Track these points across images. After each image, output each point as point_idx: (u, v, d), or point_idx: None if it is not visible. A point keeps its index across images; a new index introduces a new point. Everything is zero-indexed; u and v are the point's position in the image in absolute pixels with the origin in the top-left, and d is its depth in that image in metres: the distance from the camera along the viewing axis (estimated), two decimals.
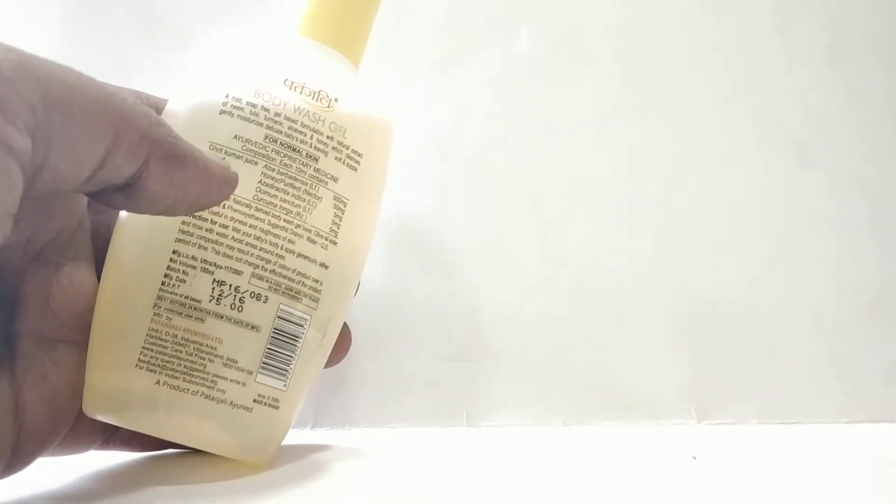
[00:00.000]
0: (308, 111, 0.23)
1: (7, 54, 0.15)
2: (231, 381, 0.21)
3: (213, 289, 0.21)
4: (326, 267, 0.23)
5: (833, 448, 0.28)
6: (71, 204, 0.22)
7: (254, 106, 0.22)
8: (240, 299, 0.21)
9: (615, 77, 0.36)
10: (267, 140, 0.22)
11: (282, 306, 0.22)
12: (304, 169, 0.23)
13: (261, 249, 0.22)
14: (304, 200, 0.23)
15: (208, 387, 0.21)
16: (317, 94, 0.23)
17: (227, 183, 0.20)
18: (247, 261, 0.22)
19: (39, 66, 0.16)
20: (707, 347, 0.33)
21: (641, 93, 0.36)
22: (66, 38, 0.37)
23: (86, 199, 0.22)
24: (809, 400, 0.32)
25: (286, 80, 0.23)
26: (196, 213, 0.21)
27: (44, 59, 0.16)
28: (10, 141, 0.15)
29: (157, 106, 0.24)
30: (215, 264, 0.21)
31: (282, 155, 0.22)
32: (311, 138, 0.23)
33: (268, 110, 0.22)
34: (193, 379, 0.21)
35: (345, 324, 0.26)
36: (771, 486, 0.21)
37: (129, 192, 0.18)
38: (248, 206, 0.22)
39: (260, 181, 0.22)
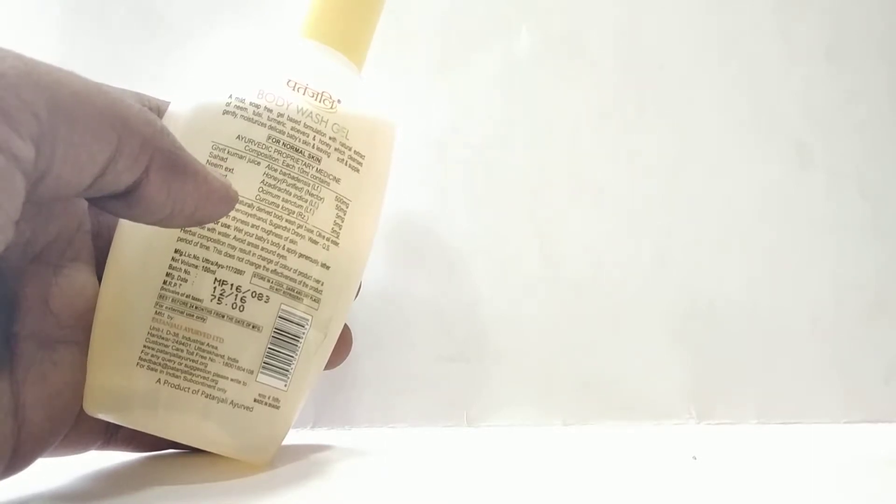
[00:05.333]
0: (311, 112, 0.23)
1: (14, 62, 0.15)
2: (232, 380, 0.21)
3: (215, 288, 0.21)
4: (328, 267, 0.23)
5: (833, 448, 0.28)
6: (71, 206, 0.22)
7: (257, 106, 0.22)
8: (241, 299, 0.21)
9: (615, 77, 0.36)
10: (270, 140, 0.22)
11: (283, 306, 0.22)
12: (307, 170, 0.23)
13: (262, 249, 0.22)
14: (306, 201, 0.23)
15: (209, 386, 0.21)
16: (320, 96, 0.23)
17: (226, 200, 0.20)
18: (248, 260, 0.22)
19: (45, 74, 0.16)
20: (707, 347, 0.33)
21: (641, 93, 0.36)
22: (66, 38, 0.37)
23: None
24: (809, 400, 0.32)
25: (289, 81, 0.23)
26: None
27: (50, 67, 0.16)
28: (14, 149, 0.15)
29: (159, 108, 0.24)
30: (217, 264, 0.21)
31: (284, 155, 0.22)
32: (314, 139, 0.23)
33: (271, 111, 0.22)
34: (194, 378, 0.21)
35: (346, 325, 0.26)
36: (771, 486, 0.21)
37: (127, 200, 0.18)
38: (251, 205, 0.22)
39: (262, 181, 0.22)
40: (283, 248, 0.22)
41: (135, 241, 0.22)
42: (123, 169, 0.17)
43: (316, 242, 0.23)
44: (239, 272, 0.21)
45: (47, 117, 0.16)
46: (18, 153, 0.15)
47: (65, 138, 0.16)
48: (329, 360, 0.25)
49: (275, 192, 0.22)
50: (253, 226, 0.22)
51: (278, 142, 0.22)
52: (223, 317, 0.21)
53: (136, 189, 0.18)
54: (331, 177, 0.23)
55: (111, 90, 0.18)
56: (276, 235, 0.22)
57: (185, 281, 0.21)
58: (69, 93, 0.16)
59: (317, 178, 0.23)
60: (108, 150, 0.17)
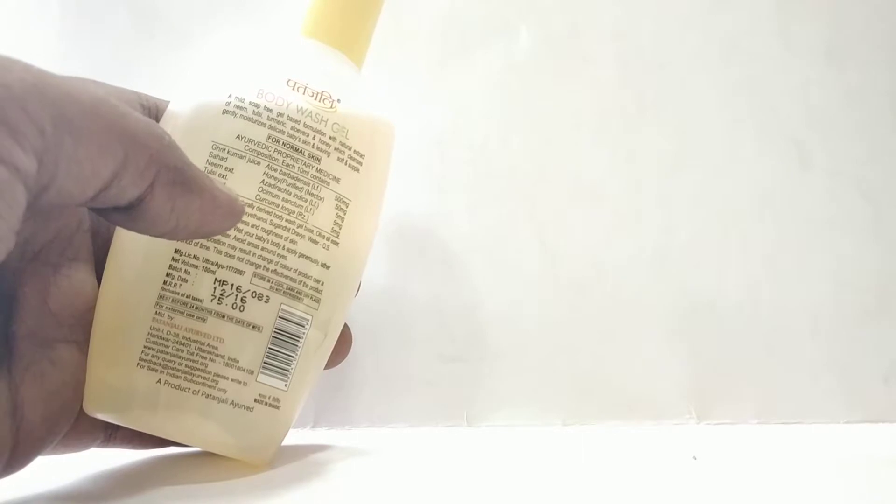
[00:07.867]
0: (311, 112, 0.23)
1: (21, 74, 0.15)
2: (232, 380, 0.21)
3: (215, 288, 0.21)
4: (328, 267, 0.23)
5: (833, 448, 0.28)
6: None
7: (257, 106, 0.22)
8: (241, 299, 0.21)
9: (615, 77, 0.36)
10: (270, 140, 0.22)
11: (283, 306, 0.22)
12: (307, 169, 0.23)
13: (262, 249, 0.22)
14: (305, 201, 0.23)
15: (209, 386, 0.21)
16: (319, 95, 0.23)
17: (232, 214, 0.20)
18: (248, 260, 0.22)
19: (52, 87, 0.16)
20: (707, 347, 0.33)
21: (641, 93, 0.36)
22: (66, 38, 0.37)
23: None
24: (809, 400, 0.32)
25: (289, 80, 0.23)
26: None
27: (58, 79, 0.16)
28: (17, 162, 0.15)
29: (158, 107, 0.24)
30: (217, 264, 0.21)
31: (284, 155, 0.22)
32: (314, 139, 0.23)
33: (270, 110, 0.22)
34: (194, 378, 0.21)
35: (346, 325, 0.26)
36: (771, 486, 0.21)
37: (131, 213, 0.18)
38: (251, 206, 0.22)
39: (262, 181, 0.22)
40: (283, 248, 0.22)
41: (135, 241, 0.22)
42: (128, 183, 0.17)
43: (316, 242, 0.23)
44: (239, 272, 0.21)
45: (52, 131, 0.16)
46: (21, 166, 0.15)
47: (69, 152, 0.16)
48: (329, 360, 0.25)
49: (275, 191, 0.22)
50: (253, 226, 0.22)
51: (278, 141, 0.22)
52: (223, 317, 0.21)
53: (140, 203, 0.18)
54: (330, 176, 0.23)
55: (120, 102, 0.17)
56: (276, 235, 0.22)
57: (186, 281, 0.21)
58: (76, 106, 0.16)
59: (316, 177, 0.23)
60: (114, 165, 0.17)
